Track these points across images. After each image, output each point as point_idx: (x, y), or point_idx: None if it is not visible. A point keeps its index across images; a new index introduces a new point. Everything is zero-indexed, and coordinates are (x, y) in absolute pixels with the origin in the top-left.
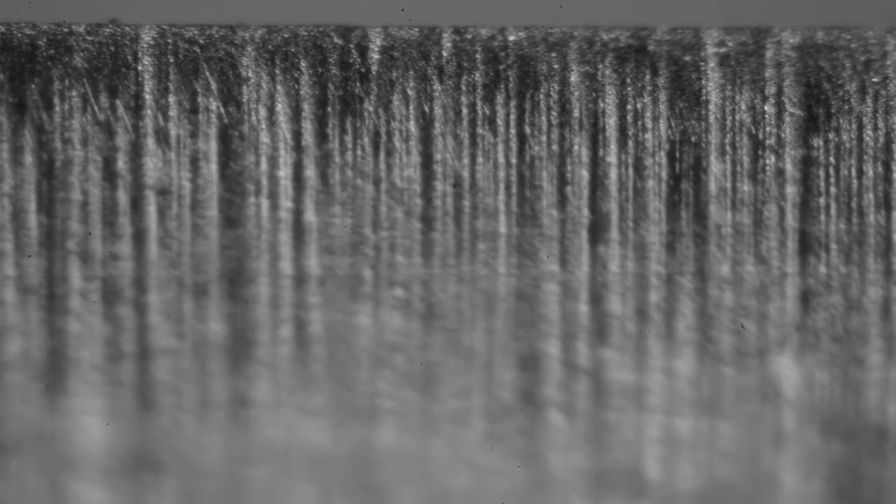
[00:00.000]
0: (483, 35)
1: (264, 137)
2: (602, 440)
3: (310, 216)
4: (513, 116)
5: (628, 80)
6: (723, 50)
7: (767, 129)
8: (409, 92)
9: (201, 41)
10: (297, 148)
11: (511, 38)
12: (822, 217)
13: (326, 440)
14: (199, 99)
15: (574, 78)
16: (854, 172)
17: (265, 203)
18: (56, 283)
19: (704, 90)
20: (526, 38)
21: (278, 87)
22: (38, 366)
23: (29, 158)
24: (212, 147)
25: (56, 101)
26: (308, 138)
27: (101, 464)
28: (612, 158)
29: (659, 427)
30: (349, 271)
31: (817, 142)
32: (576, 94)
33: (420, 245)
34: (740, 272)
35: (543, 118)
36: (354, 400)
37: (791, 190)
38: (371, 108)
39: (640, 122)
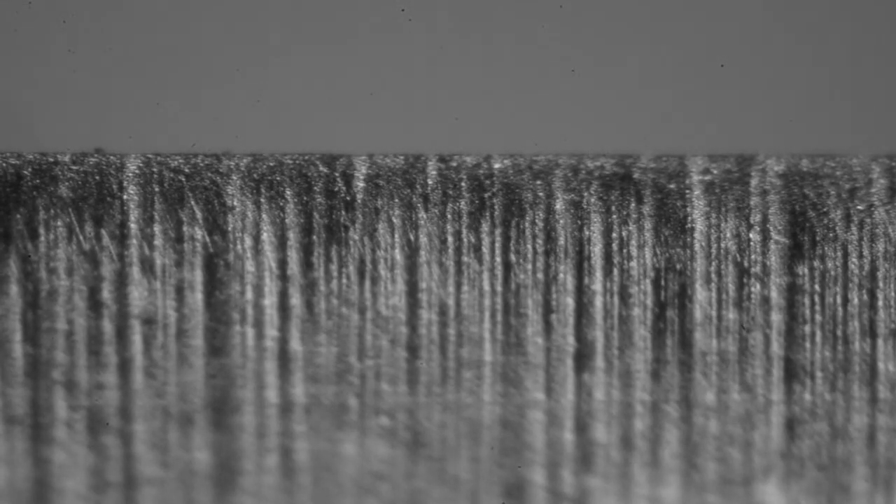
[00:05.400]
0: (468, 163)
1: (250, 266)
2: None
3: (295, 345)
4: (498, 244)
5: (613, 208)
6: (708, 177)
7: (753, 256)
8: (395, 220)
9: (186, 170)
10: (283, 276)
11: (496, 165)
12: (808, 345)
13: None
14: (185, 228)
15: (559, 206)
16: (839, 300)
17: (250, 332)
18: (41, 413)
19: (689, 218)
20: (511, 166)
21: (263, 216)
22: (23, 496)
23: (14, 288)
24: (197, 276)
25: (41, 230)
26: (293, 267)
27: None
28: (597, 286)
29: None
30: (335, 400)
31: (802, 270)
32: (561, 221)
33: (405, 373)
34: (725, 400)
35: (529, 246)
36: None
37: (776, 317)
38: (356, 237)
39: (625, 250)
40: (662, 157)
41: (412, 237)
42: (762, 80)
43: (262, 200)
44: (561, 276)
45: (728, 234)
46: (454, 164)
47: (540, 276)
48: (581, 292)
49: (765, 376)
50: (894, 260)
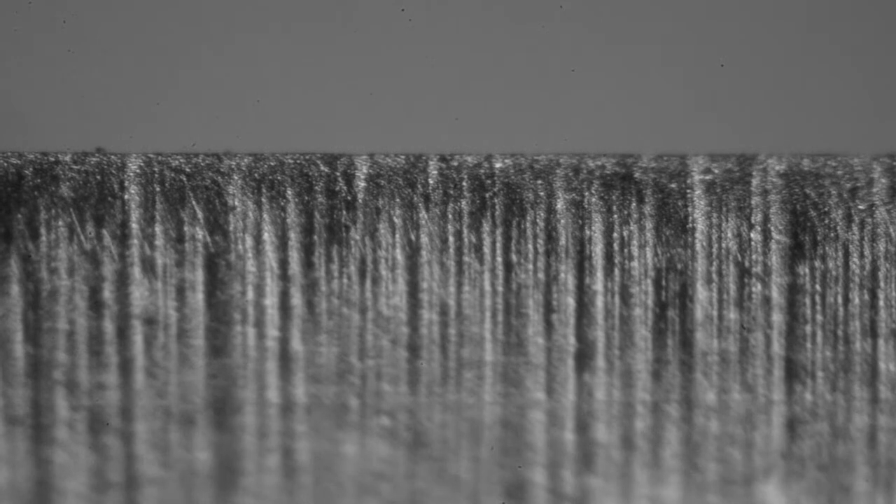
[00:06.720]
0: (469, 162)
1: (251, 266)
2: None
3: (296, 345)
4: (499, 244)
5: (614, 208)
6: (709, 177)
7: (754, 256)
8: (396, 220)
9: (187, 169)
10: (284, 276)
11: (497, 165)
12: (809, 345)
13: None
14: (186, 228)
15: (560, 205)
16: (840, 300)
17: (252, 332)
18: (42, 413)
19: (690, 218)
20: (512, 166)
21: (265, 216)
22: (24, 496)
23: (15, 288)
24: (198, 276)
25: (42, 230)
26: (294, 267)
27: None
28: (598, 286)
29: None
30: (335, 400)
31: (803, 269)
32: (562, 221)
33: (406, 373)
34: (726, 400)
35: (530, 246)
36: None
37: (777, 317)
38: (357, 237)
39: (626, 250)
40: (663, 157)
41: (413, 237)
42: (762, 80)
43: (264, 200)
44: (562, 275)
45: (729, 234)
46: (455, 163)
47: (541, 275)
48: (582, 292)
49: (766, 376)
50: (895, 260)
